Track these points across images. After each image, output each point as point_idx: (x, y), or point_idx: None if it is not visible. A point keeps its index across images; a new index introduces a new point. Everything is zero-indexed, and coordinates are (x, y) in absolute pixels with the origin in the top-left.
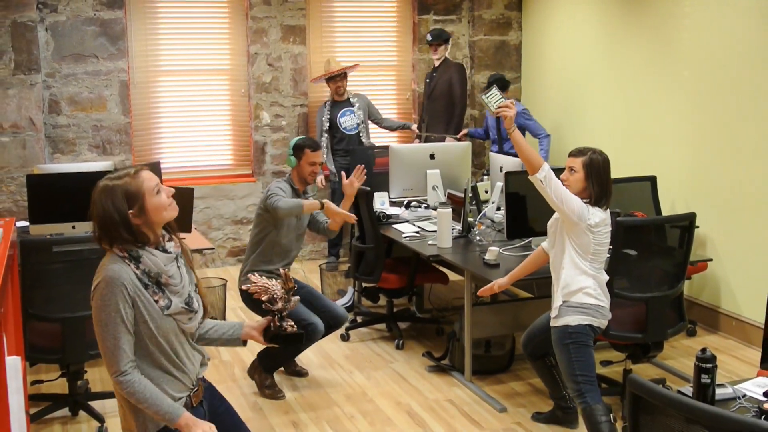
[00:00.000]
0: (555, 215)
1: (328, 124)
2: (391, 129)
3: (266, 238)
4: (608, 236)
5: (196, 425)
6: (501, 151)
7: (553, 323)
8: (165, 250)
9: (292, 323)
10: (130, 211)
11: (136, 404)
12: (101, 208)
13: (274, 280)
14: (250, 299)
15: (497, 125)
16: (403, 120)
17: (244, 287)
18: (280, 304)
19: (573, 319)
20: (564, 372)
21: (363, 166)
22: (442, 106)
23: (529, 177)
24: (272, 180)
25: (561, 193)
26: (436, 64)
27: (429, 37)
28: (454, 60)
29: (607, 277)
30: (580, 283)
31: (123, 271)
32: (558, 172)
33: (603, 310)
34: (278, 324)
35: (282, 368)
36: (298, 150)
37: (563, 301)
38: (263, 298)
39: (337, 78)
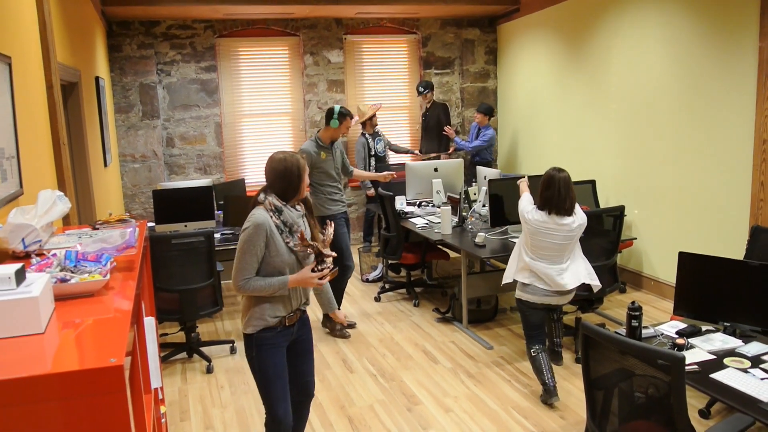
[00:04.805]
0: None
1: (372, 151)
2: (397, 152)
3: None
4: (546, 235)
5: (302, 274)
6: (471, 160)
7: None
8: (296, 209)
9: (326, 266)
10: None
11: (258, 293)
12: (286, 164)
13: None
14: None
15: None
16: (410, 147)
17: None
18: (317, 256)
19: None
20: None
21: (394, 174)
22: (434, 135)
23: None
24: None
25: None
26: (428, 106)
27: (421, 89)
28: (439, 101)
29: (544, 265)
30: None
31: (266, 219)
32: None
33: (527, 288)
34: (319, 268)
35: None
36: (342, 117)
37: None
38: (309, 251)
39: (373, 116)
